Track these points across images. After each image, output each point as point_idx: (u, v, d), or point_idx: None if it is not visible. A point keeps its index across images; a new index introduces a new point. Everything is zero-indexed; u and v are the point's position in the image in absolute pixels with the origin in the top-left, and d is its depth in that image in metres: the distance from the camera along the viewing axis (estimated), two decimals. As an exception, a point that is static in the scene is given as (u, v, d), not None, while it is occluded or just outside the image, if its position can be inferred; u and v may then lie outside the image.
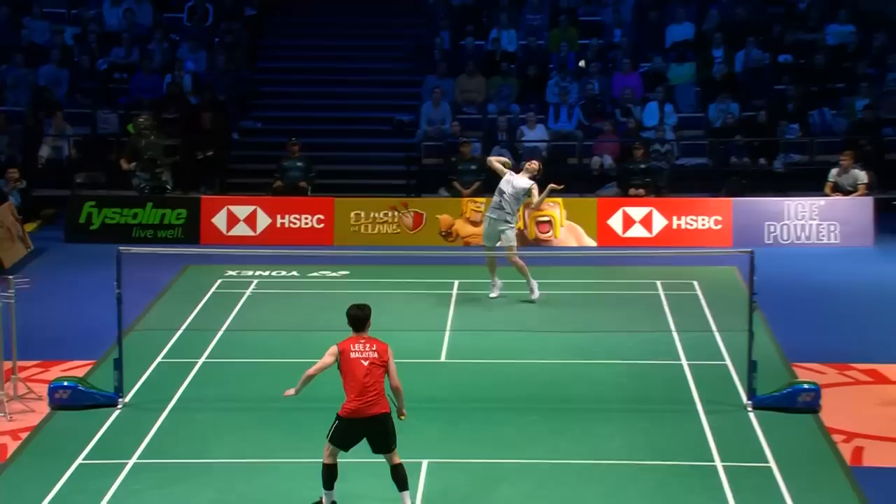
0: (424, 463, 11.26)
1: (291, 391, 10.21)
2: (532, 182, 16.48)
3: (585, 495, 9.72)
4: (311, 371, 10.02)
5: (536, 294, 16.54)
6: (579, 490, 10.01)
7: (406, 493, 9.94)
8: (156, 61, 24.48)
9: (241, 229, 20.71)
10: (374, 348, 9.93)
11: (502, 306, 16.56)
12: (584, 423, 11.73)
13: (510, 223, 16.45)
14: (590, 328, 15.40)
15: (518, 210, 16.72)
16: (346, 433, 9.91)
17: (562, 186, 16.78)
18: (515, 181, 16.42)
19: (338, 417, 9.95)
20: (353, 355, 9.87)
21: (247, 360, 14.44)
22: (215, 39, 25.05)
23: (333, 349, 9.95)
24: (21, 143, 22.90)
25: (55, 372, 13.76)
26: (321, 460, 9.98)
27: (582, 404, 11.16)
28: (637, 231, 20.48)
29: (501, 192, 16.44)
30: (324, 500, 10.06)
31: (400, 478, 9.94)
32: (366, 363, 9.85)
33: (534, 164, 16.70)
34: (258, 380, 13.75)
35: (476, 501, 10.56)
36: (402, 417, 10.06)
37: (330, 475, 10.01)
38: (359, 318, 9.99)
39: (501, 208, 16.45)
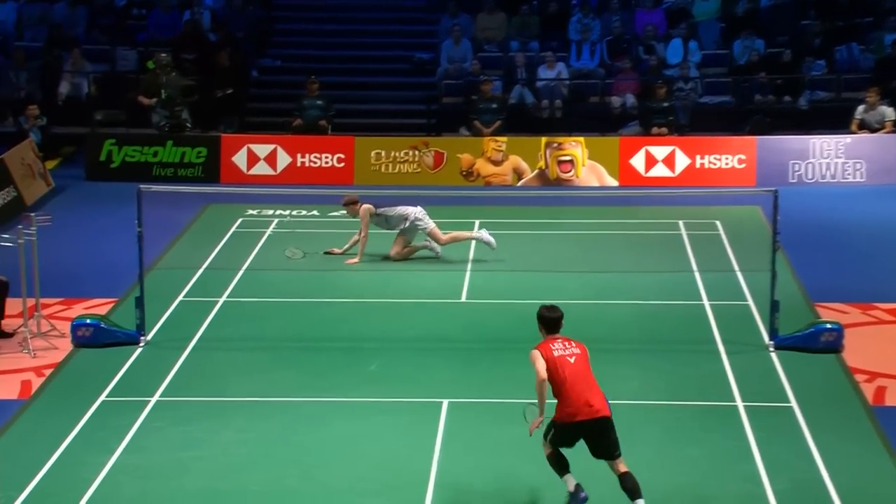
0: (445, 402, 11.37)
1: (539, 420, 9.12)
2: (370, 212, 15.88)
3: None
4: (540, 389, 9.09)
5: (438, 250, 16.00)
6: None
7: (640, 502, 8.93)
8: (174, -2, 24.37)
9: (262, 168, 20.70)
10: (574, 345, 9.24)
11: (522, 246, 16.55)
12: (601, 363, 11.67)
13: (422, 226, 15.86)
14: (610, 268, 15.39)
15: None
16: (565, 437, 9.13)
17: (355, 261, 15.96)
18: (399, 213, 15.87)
19: (553, 424, 9.15)
20: (555, 353, 9.14)
21: (266, 299, 14.51)
22: (233, -24, 24.89)
23: (535, 353, 9.19)
24: (40, 80, 22.90)
25: (77, 310, 13.85)
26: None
27: (599, 344, 11.12)
28: (659, 170, 20.38)
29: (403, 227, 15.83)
30: (569, 486, 9.09)
31: (629, 487, 8.95)
32: (572, 360, 9.13)
33: (353, 200, 16.07)
34: (277, 319, 13.85)
35: (493, 440, 10.62)
36: None
37: (559, 462, 9.16)
38: (552, 320, 9.30)
39: (413, 227, 15.91)
